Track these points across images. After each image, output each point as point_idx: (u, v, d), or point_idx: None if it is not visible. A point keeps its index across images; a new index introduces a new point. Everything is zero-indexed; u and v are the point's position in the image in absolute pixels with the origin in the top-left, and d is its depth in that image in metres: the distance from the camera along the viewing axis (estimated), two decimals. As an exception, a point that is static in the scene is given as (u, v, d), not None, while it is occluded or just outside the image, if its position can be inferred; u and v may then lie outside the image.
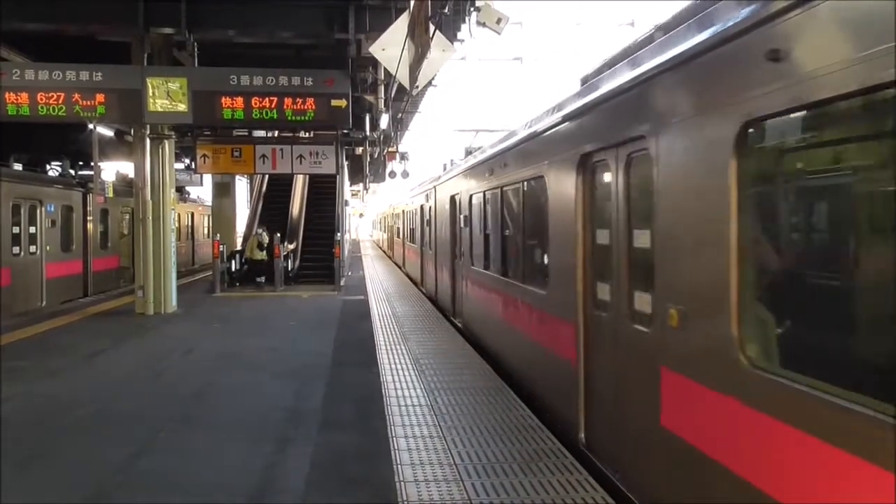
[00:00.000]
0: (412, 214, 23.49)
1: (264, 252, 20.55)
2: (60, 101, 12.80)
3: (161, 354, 10.39)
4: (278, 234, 20.10)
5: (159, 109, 13.07)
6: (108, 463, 5.76)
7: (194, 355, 10.41)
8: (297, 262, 22.42)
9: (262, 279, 20.38)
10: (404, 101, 16.54)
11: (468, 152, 14.31)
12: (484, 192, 10.76)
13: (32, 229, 17.43)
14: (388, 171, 28.30)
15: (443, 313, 14.70)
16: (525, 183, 8.25)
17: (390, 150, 25.05)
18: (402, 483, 5.21)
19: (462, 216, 12.69)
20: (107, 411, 7.38)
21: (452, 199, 13.50)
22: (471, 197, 11.86)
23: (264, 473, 5.52)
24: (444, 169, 16.97)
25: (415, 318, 13.88)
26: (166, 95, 13.04)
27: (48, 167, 23.12)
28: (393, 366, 9.40)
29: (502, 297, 9.52)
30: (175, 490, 5.23)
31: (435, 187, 16.37)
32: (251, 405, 7.58)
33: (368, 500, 5.00)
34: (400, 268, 28.86)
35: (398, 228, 31.65)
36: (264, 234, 20.99)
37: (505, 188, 9.38)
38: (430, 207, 17.64)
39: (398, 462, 5.67)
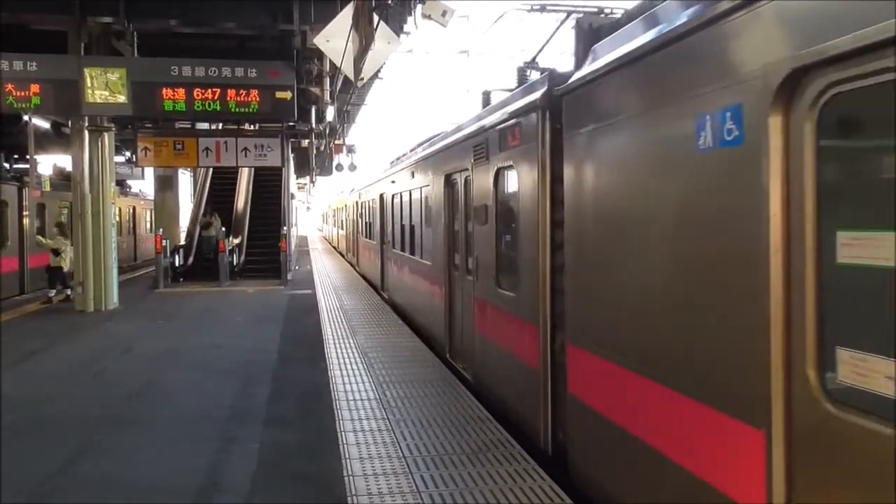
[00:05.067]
0: (398, 203, 14.42)
1: (59, 257, 15.83)
2: (-8, 92, 12.32)
3: (100, 353, 10.12)
4: (223, 228, 19.72)
5: (98, 101, 12.69)
6: (46, 466, 5.60)
7: (135, 353, 10.18)
8: (243, 257, 22.10)
9: (69, 290, 15.68)
10: (350, 93, 16.38)
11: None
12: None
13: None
14: (335, 163, 28.13)
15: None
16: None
17: (337, 142, 24.86)
18: (351, 477, 5.19)
19: None
20: (43, 414, 7.16)
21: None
22: None
23: (209, 473, 5.44)
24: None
25: (363, 312, 13.82)
26: (105, 86, 12.67)
27: (-20, 161, 22.29)
28: (341, 360, 9.34)
29: None
30: (117, 492, 5.11)
31: (546, 112, 5.56)
32: (195, 404, 7.45)
33: (316, 495, 4.97)
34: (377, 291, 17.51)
35: (368, 225, 20.24)
36: (61, 238, 16.12)
37: None
38: (500, 184, 7.08)
39: (346, 456, 5.64)
